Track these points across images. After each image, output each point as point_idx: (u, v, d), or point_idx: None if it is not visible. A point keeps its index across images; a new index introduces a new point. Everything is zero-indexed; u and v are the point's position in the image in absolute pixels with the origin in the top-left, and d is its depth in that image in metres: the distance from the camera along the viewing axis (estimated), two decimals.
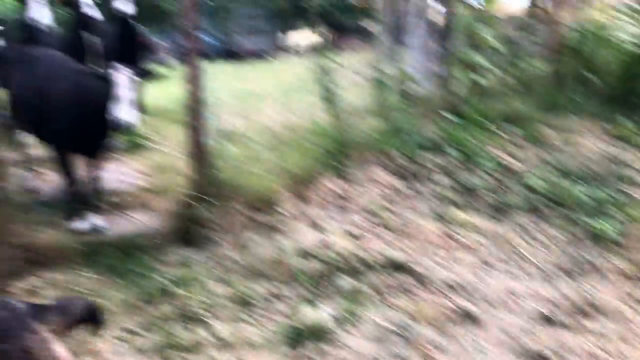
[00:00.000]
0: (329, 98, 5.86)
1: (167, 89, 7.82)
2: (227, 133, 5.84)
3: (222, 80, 6.73)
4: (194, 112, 5.03)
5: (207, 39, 5.30)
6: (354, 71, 10.23)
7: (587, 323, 3.77)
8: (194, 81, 5.05)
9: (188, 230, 4.99)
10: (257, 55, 20.52)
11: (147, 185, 5.84)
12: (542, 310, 3.93)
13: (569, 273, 4.44)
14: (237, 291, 4.18)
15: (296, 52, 22.45)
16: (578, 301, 3.99)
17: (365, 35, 11.47)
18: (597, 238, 4.79)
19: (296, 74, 9.26)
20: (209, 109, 5.39)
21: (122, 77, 4.47)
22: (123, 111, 4.47)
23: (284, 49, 24.83)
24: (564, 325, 3.78)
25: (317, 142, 5.76)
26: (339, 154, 5.64)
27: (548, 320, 3.85)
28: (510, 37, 7.71)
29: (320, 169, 5.52)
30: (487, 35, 6.47)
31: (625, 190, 5.38)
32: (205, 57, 5.39)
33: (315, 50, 12.67)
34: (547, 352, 3.48)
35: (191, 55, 4.96)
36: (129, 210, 5.37)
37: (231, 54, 19.42)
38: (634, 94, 6.99)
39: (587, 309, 3.91)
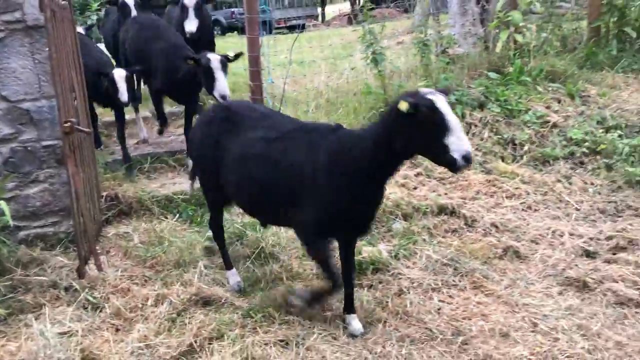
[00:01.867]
0: (376, 61, 6.23)
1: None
2: (282, 97, 6.27)
3: (273, 49, 7.16)
4: (255, 75, 5.50)
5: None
6: (393, 36, 10.56)
7: (623, 255, 4.14)
8: (254, 47, 5.51)
9: None
10: (300, 26, 20.88)
11: None
12: (582, 246, 4.31)
13: (607, 214, 4.80)
14: None
15: (336, 22, 22.69)
16: (615, 237, 4.35)
17: (401, 3, 11.70)
18: (635, 183, 5.11)
19: (340, 42, 9.66)
20: (266, 75, 5.87)
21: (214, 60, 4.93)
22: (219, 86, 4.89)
23: (323, 20, 25.05)
24: (602, 258, 4.16)
25: (366, 103, 6.17)
26: None
27: (588, 254, 4.23)
28: None
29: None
30: None
31: None
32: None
33: (354, 19, 13.04)
34: (588, 280, 3.86)
35: (252, 23, 5.40)
36: None
37: (273, 25, 19.77)
38: None
39: (623, 243, 4.27)
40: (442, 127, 2.73)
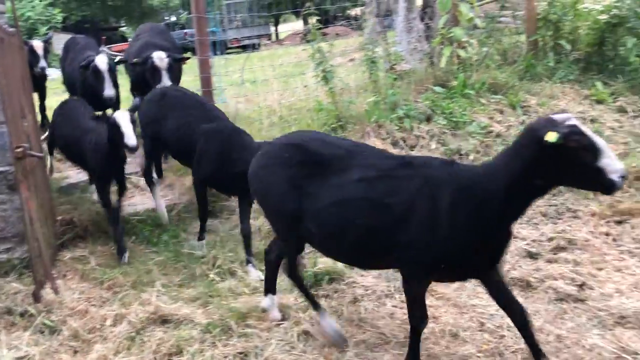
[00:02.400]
0: (326, 79, 6.43)
1: None
2: (235, 116, 6.39)
3: (225, 69, 7.29)
4: (207, 95, 5.61)
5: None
6: (345, 54, 10.83)
7: (563, 254, 4.40)
8: (205, 68, 5.62)
9: (209, 203, 5.57)
10: (252, 45, 21.23)
11: (167, 167, 6.38)
12: (526, 248, 4.55)
13: (548, 217, 5.07)
14: (259, 251, 4.74)
15: (288, 41, 23.02)
16: (556, 238, 4.61)
17: (351, 22, 12.05)
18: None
19: (292, 61, 9.86)
20: (219, 94, 5.98)
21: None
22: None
23: (277, 39, 25.37)
24: (544, 258, 4.40)
25: (319, 119, 6.35)
26: (339, 128, 6.24)
27: (531, 255, 4.47)
28: (489, 12, 8.30)
29: None
30: (467, 11, 7.00)
31: None
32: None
33: (306, 38, 13.31)
34: (531, 279, 4.09)
35: (202, 45, 5.52)
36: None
37: (226, 45, 19.93)
38: (605, 59, 7.62)
39: (563, 244, 4.53)
40: (594, 152, 2.57)
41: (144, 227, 5.15)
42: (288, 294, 4.02)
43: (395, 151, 6.17)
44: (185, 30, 31.54)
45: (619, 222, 4.86)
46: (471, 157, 6.04)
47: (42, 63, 6.66)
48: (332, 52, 7.15)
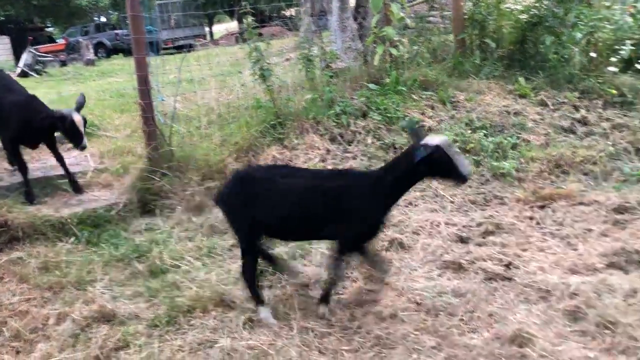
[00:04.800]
0: (264, 77, 6.53)
1: (104, 82, 8.24)
2: (174, 114, 6.38)
3: (162, 68, 7.25)
4: (144, 93, 5.58)
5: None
6: (281, 53, 10.96)
7: (491, 238, 4.69)
8: (142, 67, 5.60)
9: (149, 202, 5.58)
10: (187, 45, 20.97)
11: (105, 167, 6.31)
12: (457, 233, 4.82)
13: (477, 204, 5.39)
14: (202, 246, 4.81)
15: (223, 41, 22.87)
16: (484, 223, 4.91)
17: (287, 22, 12.19)
18: (500, 175, 5.78)
19: (228, 60, 9.89)
20: (155, 94, 5.97)
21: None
22: None
23: (212, 39, 25.14)
24: (474, 242, 4.68)
25: (257, 117, 6.44)
26: (278, 125, 6.36)
27: (462, 240, 4.74)
28: (419, 13, 8.64)
29: (263, 139, 6.21)
30: (398, 11, 7.28)
31: (520, 135, 6.42)
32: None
33: (242, 37, 13.34)
34: (462, 261, 4.34)
35: (139, 44, 5.50)
36: (92, 190, 5.85)
37: (161, 46, 19.60)
38: (526, 56, 8.09)
39: (491, 228, 4.83)
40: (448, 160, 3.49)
41: (83, 227, 5.09)
42: (232, 286, 4.10)
43: (333, 146, 6.36)
44: (116, 31, 30.73)
45: (542, 207, 5.22)
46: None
47: None
48: (269, 51, 7.25)
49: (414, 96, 7.14)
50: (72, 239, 4.98)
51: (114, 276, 4.41)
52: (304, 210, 3.67)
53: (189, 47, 20.69)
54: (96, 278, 4.32)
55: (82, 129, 5.27)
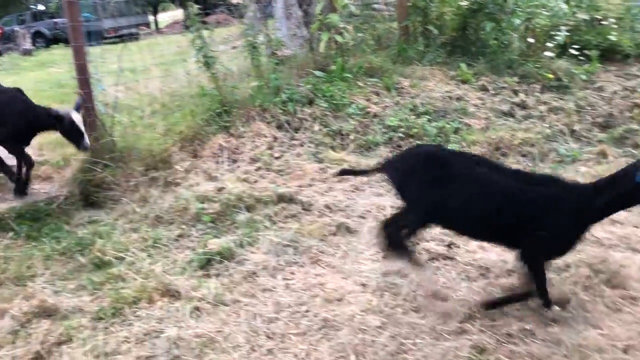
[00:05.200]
0: (209, 65, 6.46)
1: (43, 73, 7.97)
2: (116, 104, 6.24)
3: (103, 58, 7.05)
4: (84, 82, 5.43)
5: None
6: (227, 41, 10.84)
7: None
8: (80, 55, 5.44)
9: (91, 194, 5.46)
10: (130, 34, 20.46)
11: (44, 159, 6.12)
12: None
13: None
14: (147, 237, 4.74)
15: (168, 30, 22.41)
16: None
17: (232, 10, 12.07)
18: None
19: (173, 49, 9.72)
20: (96, 83, 5.81)
21: None
22: None
23: (157, 28, 24.61)
24: None
25: (202, 105, 6.37)
26: (224, 113, 6.31)
27: None
28: (364, 0, 8.71)
29: (209, 128, 6.15)
30: None
31: (462, 120, 6.59)
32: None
33: (186, 26, 13.10)
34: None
35: (75, 31, 5.34)
36: (32, 183, 5.67)
37: (103, 35, 19.03)
38: (468, 42, 8.28)
39: None
40: None
41: (22, 222, 4.93)
42: (178, 276, 4.07)
43: (280, 134, 6.37)
44: (55, 20, 29.64)
45: None
46: (351, 136, 6.37)
47: None
48: (215, 39, 7.17)
49: (359, 83, 7.21)
50: (11, 234, 4.82)
51: (55, 270, 4.30)
52: (496, 211, 3.31)
53: (133, 36, 20.22)
54: (37, 273, 4.20)
55: (82, 128, 5.17)
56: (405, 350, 3.25)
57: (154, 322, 3.57)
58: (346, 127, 6.47)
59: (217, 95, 6.37)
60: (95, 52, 6.39)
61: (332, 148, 6.25)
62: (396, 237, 3.68)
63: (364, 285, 3.94)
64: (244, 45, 7.33)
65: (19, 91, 5.55)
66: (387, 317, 3.56)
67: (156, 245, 4.64)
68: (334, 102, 6.76)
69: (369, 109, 6.74)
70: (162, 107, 6.60)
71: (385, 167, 3.85)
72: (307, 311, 3.68)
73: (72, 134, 5.19)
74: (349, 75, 7.17)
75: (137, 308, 3.72)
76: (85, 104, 5.47)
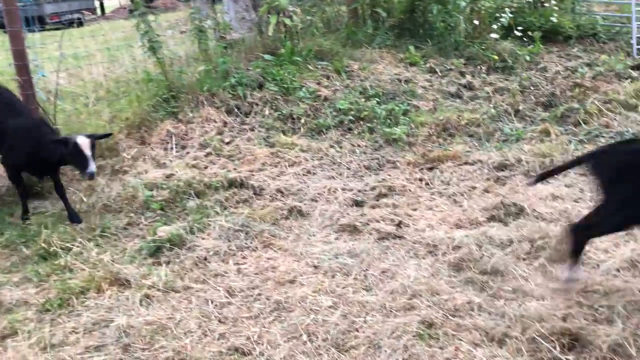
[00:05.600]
0: (154, 49, 6.32)
1: None
2: (57, 91, 6.04)
3: (43, 44, 6.82)
4: (22, 69, 5.24)
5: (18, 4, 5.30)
6: (175, 26, 10.61)
7: (384, 200, 4.89)
8: (17, 41, 5.23)
9: (35, 184, 5.29)
10: (74, 19, 19.78)
11: None
12: (352, 197, 4.98)
13: (371, 169, 5.58)
14: (94, 226, 4.64)
15: (114, 15, 21.76)
16: (378, 187, 5.10)
17: None
18: (392, 141, 6.00)
19: (118, 34, 9.45)
20: (36, 70, 5.62)
21: None
22: None
23: (102, 13, 23.85)
24: (368, 205, 4.86)
25: (149, 91, 6.24)
26: (171, 99, 6.20)
27: (357, 204, 4.90)
28: None
29: (156, 114, 6.04)
30: None
31: (411, 102, 6.69)
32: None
33: (131, 11, 12.75)
34: (357, 224, 4.50)
35: (11, 16, 5.13)
36: None
37: (44, 20, 18.30)
38: (416, 25, 8.38)
39: (385, 191, 5.03)
40: None
41: None
42: (128, 264, 4.02)
43: (230, 118, 6.31)
44: None
45: (430, 169, 5.50)
46: (302, 120, 6.37)
47: None
48: (162, 24, 7.02)
49: (309, 66, 7.21)
50: None
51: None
52: None
53: (77, 22, 19.54)
54: None
55: (88, 152, 4.46)
56: (357, 327, 3.30)
57: (103, 311, 3.51)
58: (297, 110, 6.46)
59: (163, 80, 6.25)
60: (35, 38, 6.18)
61: (283, 132, 6.24)
62: (582, 242, 3.46)
63: (315, 267, 3.98)
64: (190, 30, 7.21)
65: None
66: (338, 297, 3.60)
67: (104, 234, 4.55)
68: (284, 85, 6.74)
69: (319, 93, 6.75)
70: (107, 93, 6.44)
71: (591, 162, 3.59)
72: (259, 294, 3.69)
73: (75, 159, 4.51)
74: (298, 59, 7.15)
75: (85, 298, 3.65)
76: (25, 92, 5.29)
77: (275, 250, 4.23)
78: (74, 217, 4.76)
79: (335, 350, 3.12)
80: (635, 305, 3.25)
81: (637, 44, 8.32)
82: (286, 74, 6.86)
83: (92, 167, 4.49)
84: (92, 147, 4.51)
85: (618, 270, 3.64)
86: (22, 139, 4.71)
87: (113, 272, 3.85)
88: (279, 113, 6.46)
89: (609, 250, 3.85)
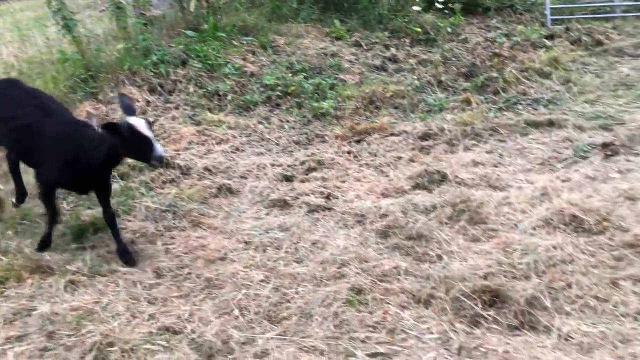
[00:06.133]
0: (69, 28, 6.02)
1: None
2: None
3: None
4: None
5: None
6: (93, 6, 10.16)
7: (314, 174, 4.93)
8: None
9: None
10: None
11: None
12: (282, 172, 4.99)
13: (300, 144, 5.59)
14: (14, 214, 4.43)
15: None
16: (307, 161, 5.13)
17: None
18: (320, 115, 6.03)
19: (29, 13, 8.93)
20: None
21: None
22: None
23: None
24: (298, 179, 4.89)
25: (65, 71, 5.96)
26: (90, 79, 5.95)
27: (287, 178, 4.92)
28: None
29: (74, 95, 5.79)
30: None
31: (337, 76, 6.72)
32: None
33: None
34: (287, 198, 4.52)
35: None
36: None
37: None
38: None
39: (314, 165, 5.06)
40: None
41: None
42: (51, 251, 3.87)
43: (153, 97, 6.14)
44: None
45: (358, 141, 5.59)
46: (229, 97, 6.28)
47: None
48: (80, 2, 6.70)
49: (234, 42, 7.10)
50: None
51: None
52: None
53: None
54: None
55: (149, 133, 3.50)
56: (288, 299, 3.34)
57: (24, 300, 3.37)
58: (223, 87, 6.36)
59: (80, 60, 5.99)
60: None
61: (209, 109, 6.13)
62: None
63: (246, 242, 3.98)
64: (108, 7, 6.92)
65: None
66: (269, 270, 3.62)
67: (24, 222, 4.35)
68: (209, 62, 6.61)
69: (245, 68, 6.67)
70: (20, 74, 6.08)
71: None
72: (189, 273, 3.66)
73: (134, 146, 3.52)
74: (222, 35, 7.02)
75: (4, 288, 3.50)
76: None
77: (204, 229, 4.19)
78: (125, 256, 3.81)
79: (268, 322, 3.15)
80: (550, 261, 3.45)
81: (550, 15, 8.68)
82: (210, 50, 6.73)
83: (160, 149, 3.51)
84: (150, 127, 3.57)
85: (534, 228, 3.84)
86: (62, 144, 3.75)
87: (33, 259, 3.70)
88: (204, 90, 6.35)
89: (526, 211, 4.05)
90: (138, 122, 3.52)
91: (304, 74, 6.67)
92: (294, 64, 6.84)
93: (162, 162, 3.68)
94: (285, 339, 3.01)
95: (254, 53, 7.01)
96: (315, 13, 8.08)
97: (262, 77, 6.58)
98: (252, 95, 6.30)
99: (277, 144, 5.59)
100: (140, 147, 3.50)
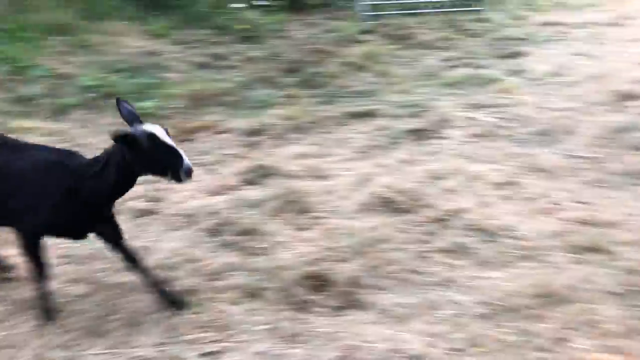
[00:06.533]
0: None
1: None
2: None
3: None
4: None
5: None
6: None
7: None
8: None
9: None
10: None
11: None
12: None
13: None
14: None
15: None
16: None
17: None
18: (144, 115, 5.79)
19: None
20: None
21: None
22: None
23: None
24: None
25: None
26: None
27: None
28: None
29: None
30: None
31: (159, 75, 6.56)
32: None
33: None
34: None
35: None
36: None
37: None
38: None
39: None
40: None
41: None
42: None
43: None
44: None
45: (189, 140, 5.50)
46: (42, 101, 5.82)
47: None
48: None
49: (45, 42, 6.58)
50: None
51: None
52: None
53: None
54: None
55: (171, 142, 2.90)
56: (115, 310, 3.20)
57: None
58: (34, 91, 5.88)
59: None
60: None
61: (22, 116, 5.63)
62: None
63: (67, 257, 3.73)
64: None
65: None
66: (93, 283, 3.44)
67: None
68: (16, 65, 6.08)
69: (58, 70, 6.22)
70: None
71: None
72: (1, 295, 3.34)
73: (157, 159, 2.88)
74: (31, 35, 6.48)
75: None
76: None
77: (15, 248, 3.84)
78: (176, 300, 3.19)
79: (92, 338, 2.99)
80: (370, 242, 3.71)
81: (366, 11, 9.27)
82: (18, 52, 6.17)
83: (187, 160, 2.88)
84: (168, 135, 2.97)
85: (355, 212, 4.10)
86: (49, 176, 3.03)
87: None
88: (14, 95, 5.81)
89: (348, 197, 4.30)
90: (158, 130, 2.92)
91: (125, 73, 6.41)
92: (114, 63, 6.54)
93: (190, 176, 2.95)
94: (112, 352, 2.89)
95: (68, 53, 6.57)
96: (133, 11, 7.78)
97: (78, 79, 6.19)
98: (67, 99, 5.90)
99: (98, 149, 5.28)
100: (166, 160, 2.88)
